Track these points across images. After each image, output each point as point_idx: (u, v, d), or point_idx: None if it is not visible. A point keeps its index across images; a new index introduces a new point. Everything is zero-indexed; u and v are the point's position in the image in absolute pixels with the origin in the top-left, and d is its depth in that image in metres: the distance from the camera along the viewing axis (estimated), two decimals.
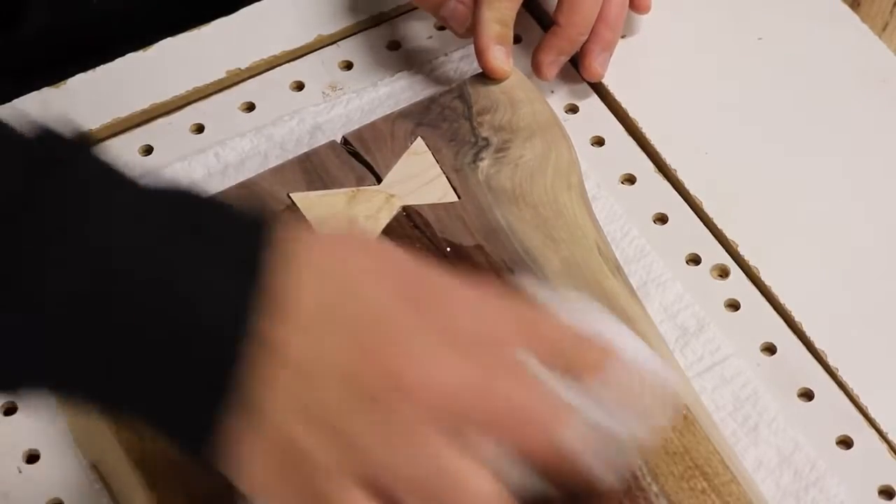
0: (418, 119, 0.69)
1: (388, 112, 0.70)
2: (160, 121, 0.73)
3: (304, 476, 0.44)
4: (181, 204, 0.45)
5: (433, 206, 0.65)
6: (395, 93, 0.74)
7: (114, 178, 0.45)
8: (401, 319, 0.45)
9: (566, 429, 0.45)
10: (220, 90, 0.75)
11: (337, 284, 0.45)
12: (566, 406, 0.46)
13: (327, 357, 0.44)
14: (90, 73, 0.74)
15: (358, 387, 0.44)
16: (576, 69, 0.76)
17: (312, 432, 0.44)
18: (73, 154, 0.45)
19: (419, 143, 0.68)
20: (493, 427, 0.45)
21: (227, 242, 0.44)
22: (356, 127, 0.70)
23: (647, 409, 0.48)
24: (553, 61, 0.73)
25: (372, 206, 0.64)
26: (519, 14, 0.76)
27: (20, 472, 0.61)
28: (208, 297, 0.43)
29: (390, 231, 0.63)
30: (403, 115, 0.69)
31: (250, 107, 0.74)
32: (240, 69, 0.75)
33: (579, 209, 0.66)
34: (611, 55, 0.74)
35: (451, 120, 0.69)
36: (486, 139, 0.68)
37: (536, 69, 0.73)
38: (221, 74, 0.75)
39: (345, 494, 0.44)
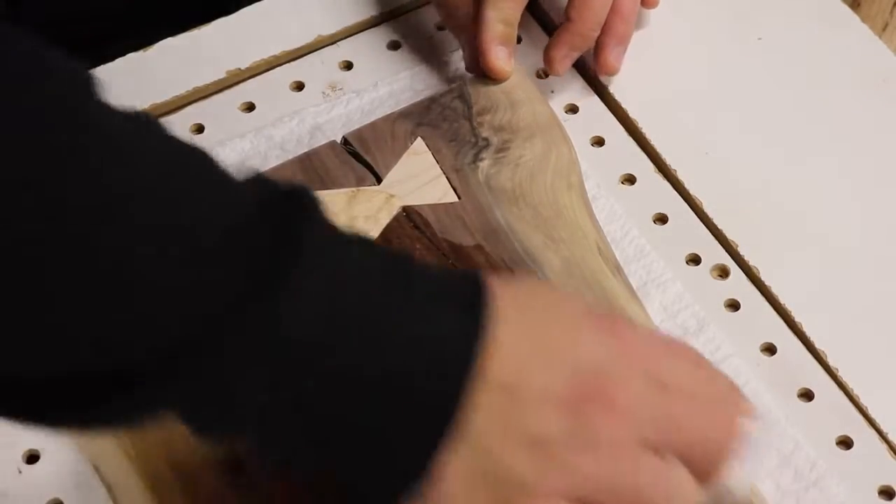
0: (418, 119, 0.69)
1: (388, 112, 0.70)
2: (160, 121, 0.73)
3: (510, 496, 0.45)
4: (395, 261, 0.47)
5: (433, 207, 0.65)
6: (395, 93, 0.74)
7: (337, 243, 0.46)
8: (611, 357, 0.47)
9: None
10: (220, 90, 0.75)
11: (551, 326, 0.47)
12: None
13: (541, 384, 0.46)
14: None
15: (568, 409, 0.45)
16: (577, 69, 0.76)
17: (522, 453, 0.45)
18: (302, 221, 0.44)
19: (419, 143, 0.68)
20: (690, 454, 0.48)
21: (445, 292, 0.46)
22: (356, 127, 0.70)
23: None
24: (565, 56, 0.72)
25: (372, 207, 0.64)
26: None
27: (20, 472, 0.61)
28: (436, 339, 0.45)
29: (390, 231, 0.63)
30: (403, 115, 0.69)
31: (250, 107, 0.74)
32: (240, 69, 0.75)
33: (579, 209, 0.66)
34: (625, 49, 0.74)
35: (452, 120, 0.69)
36: (486, 139, 0.68)
37: (549, 64, 0.72)
38: (221, 74, 0.75)
39: None
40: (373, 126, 0.69)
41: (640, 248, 0.68)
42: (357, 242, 0.47)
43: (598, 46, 0.73)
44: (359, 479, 0.46)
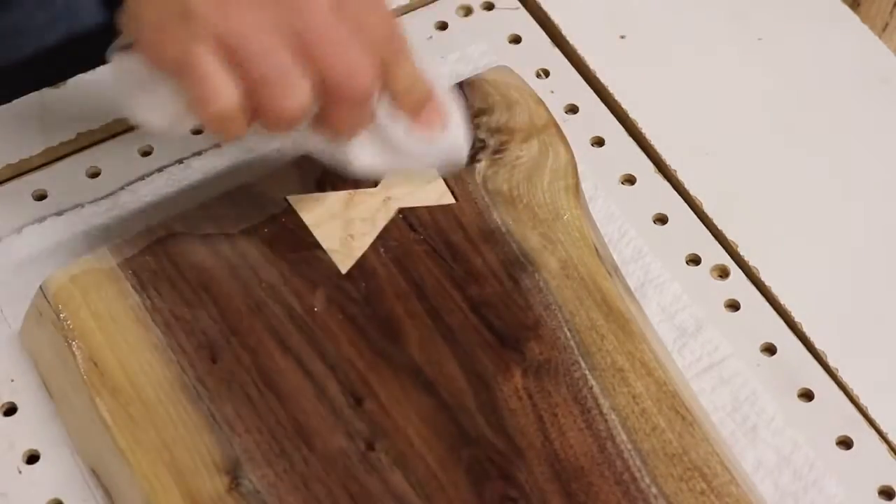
0: None
1: None
2: None
3: (179, 30, 0.54)
4: None
5: (430, 208, 0.65)
6: None
7: None
8: None
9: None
10: None
11: None
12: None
13: None
14: (90, 73, 0.74)
15: None
16: (577, 69, 0.76)
17: None
18: None
19: None
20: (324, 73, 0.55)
21: None
22: None
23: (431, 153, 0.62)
24: None
25: (369, 209, 0.64)
26: (519, 14, 0.76)
27: (20, 472, 0.61)
28: None
29: (387, 233, 0.63)
30: None
31: None
32: None
33: (577, 210, 0.65)
34: None
35: None
36: (482, 141, 0.68)
37: None
38: None
39: (197, 48, 0.54)
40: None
41: (638, 248, 0.68)
42: None
43: None
44: None
